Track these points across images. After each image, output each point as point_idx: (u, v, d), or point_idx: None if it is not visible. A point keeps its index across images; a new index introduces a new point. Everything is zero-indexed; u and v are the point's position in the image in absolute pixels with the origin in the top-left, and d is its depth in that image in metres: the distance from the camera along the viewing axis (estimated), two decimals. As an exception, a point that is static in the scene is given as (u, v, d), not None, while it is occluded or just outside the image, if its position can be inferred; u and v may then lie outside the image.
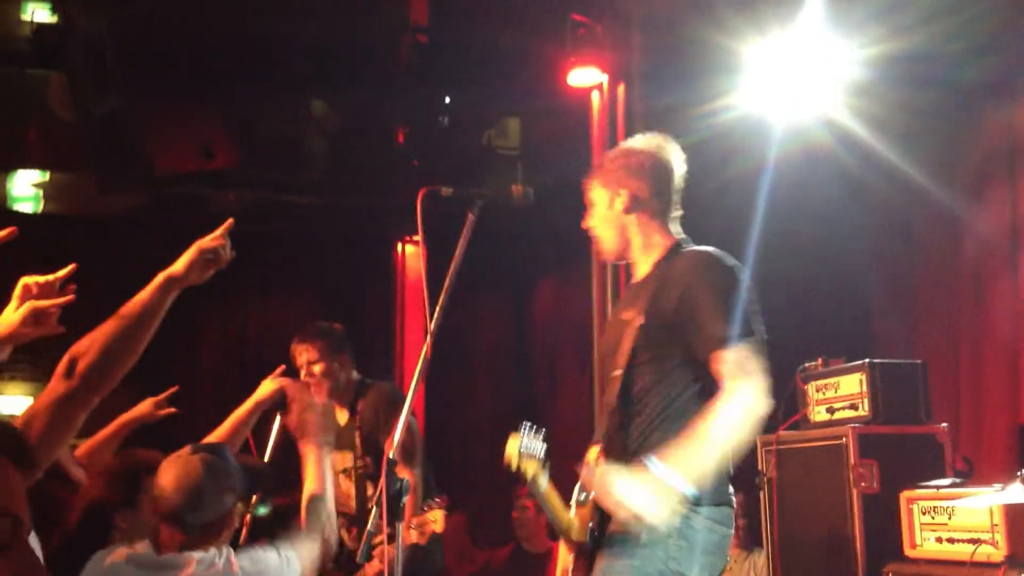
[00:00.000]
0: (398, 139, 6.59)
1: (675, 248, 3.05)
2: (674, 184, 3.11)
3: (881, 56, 5.55)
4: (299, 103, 6.43)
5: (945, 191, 6.08)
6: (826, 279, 6.61)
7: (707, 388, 2.79)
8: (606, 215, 3.07)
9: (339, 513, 4.28)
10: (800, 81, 5.74)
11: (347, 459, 4.51)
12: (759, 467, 5.15)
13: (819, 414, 5.05)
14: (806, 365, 5.16)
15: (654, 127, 6.09)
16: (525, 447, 2.81)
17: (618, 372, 2.87)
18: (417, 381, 2.83)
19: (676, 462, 2.60)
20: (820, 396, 5.05)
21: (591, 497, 2.77)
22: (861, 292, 6.74)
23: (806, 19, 5.46)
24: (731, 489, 2.87)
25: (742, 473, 5.52)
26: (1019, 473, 3.51)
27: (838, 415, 4.92)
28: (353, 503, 4.51)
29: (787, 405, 5.15)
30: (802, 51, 5.59)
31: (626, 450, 2.81)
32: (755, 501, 5.20)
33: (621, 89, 6.14)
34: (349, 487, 4.52)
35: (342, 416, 4.58)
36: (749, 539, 5.67)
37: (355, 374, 4.65)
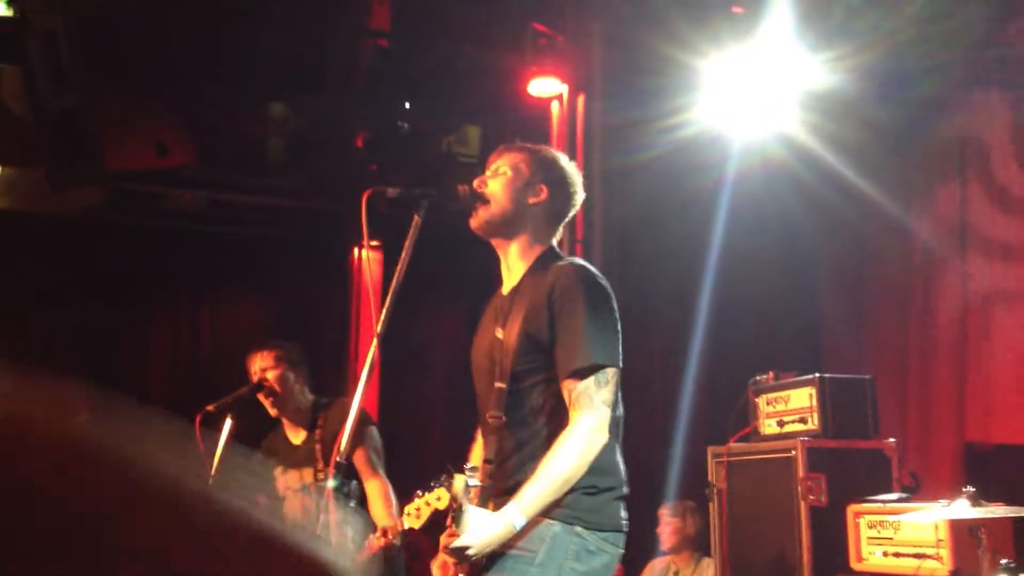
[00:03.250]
0: (357, 143, 6.56)
1: (543, 259, 2.98)
2: (568, 210, 3.09)
3: (835, 72, 5.63)
4: (258, 105, 6.39)
5: (897, 207, 6.18)
6: (781, 293, 6.68)
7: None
8: (513, 192, 2.99)
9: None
10: (757, 97, 5.80)
11: (307, 475, 4.46)
12: (709, 478, 5.19)
13: (769, 427, 5.10)
14: (757, 378, 5.21)
15: (613, 140, 6.24)
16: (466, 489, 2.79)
17: (501, 386, 2.84)
18: (364, 383, 2.80)
19: (525, 502, 2.69)
20: (771, 409, 5.10)
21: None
22: (814, 306, 6.83)
23: (763, 36, 5.52)
24: (624, 512, 2.86)
25: (692, 483, 5.62)
26: (964, 489, 3.56)
27: (788, 428, 4.97)
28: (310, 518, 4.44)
29: (738, 417, 5.20)
30: (759, 67, 5.65)
31: (514, 475, 2.82)
32: (705, 511, 5.24)
33: (581, 100, 6.18)
34: (310, 503, 4.46)
35: (297, 436, 4.53)
36: (698, 547, 5.71)
37: (310, 395, 4.59)
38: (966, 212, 5.82)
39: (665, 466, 6.13)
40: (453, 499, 2.67)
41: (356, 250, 7.09)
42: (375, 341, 2.74)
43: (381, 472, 4.31)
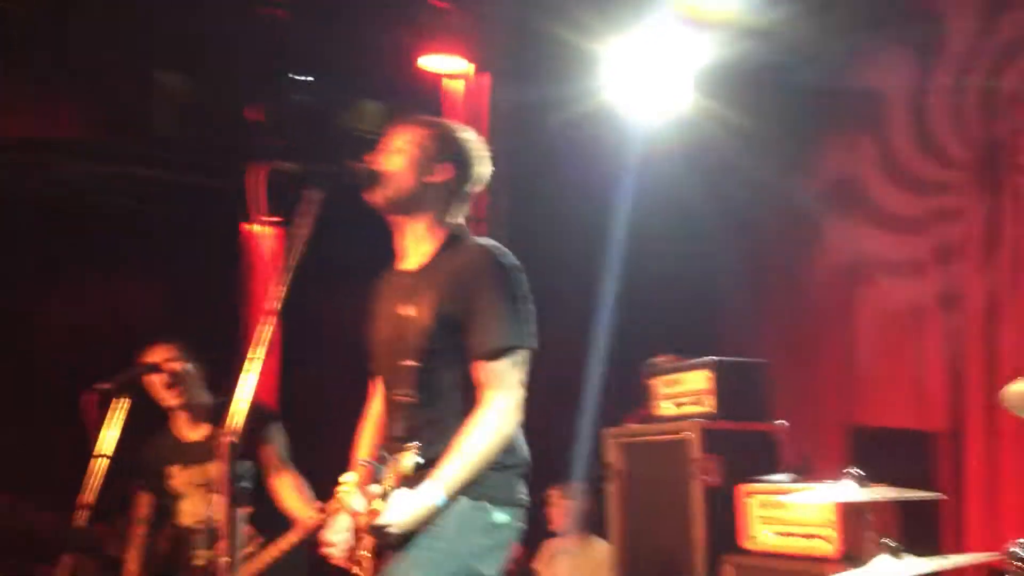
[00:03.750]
0: (251, 116, 6.39)
1: (452, 239, 2.96)
2: (473, 188, 3.04)
3: (732, 61, 5.70)
4: (148, 74, 6.17)
5: (792, 190, 6.31)
6: (682, 275, 6.76)
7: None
8: (414, 171, 2.93)
9: (197, 532, 4.15)
10: (655, 79, 5.82)
11: (206, 472, 4.34)
12: (606, 459, 5.23)
13: (665, 408, 5.15)
14: (654, 360, 5.26)
15: (514, 121, 6.21)
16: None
17: (411, 364, 2.81)
18: (258, 364, 2.70)
19: (447, 480, 2.70)
20: (667, 391, 5.16)
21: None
22: (713, 290, 6.93)
23: (660, 19, 5.56)
24: (524, 489, 2.88)
25: (590, 464, 5.66)
26: (851, 471, 3.63)
27: (684, 410, 5.03)
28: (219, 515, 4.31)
29: (635, 400, 5.25)
30: (655, 49, 5.68)
31: (424, 454, 2.76)
32: (600, 492, 5.28)
33: (478, 79, 6.14)
34: (211, 498, 4.34)
35: (196, 431, 4.41)
36: (589, 528, 5.75)
37: (208, 391, 4.47)
38: (862, 188, 5.98)
39: (565, 447, 6.14)
40: (397, 478, 2.63)
41: (250, 226, 6.92)
42: (271, 320, 2.66)
43: (291, 467, 4.27)
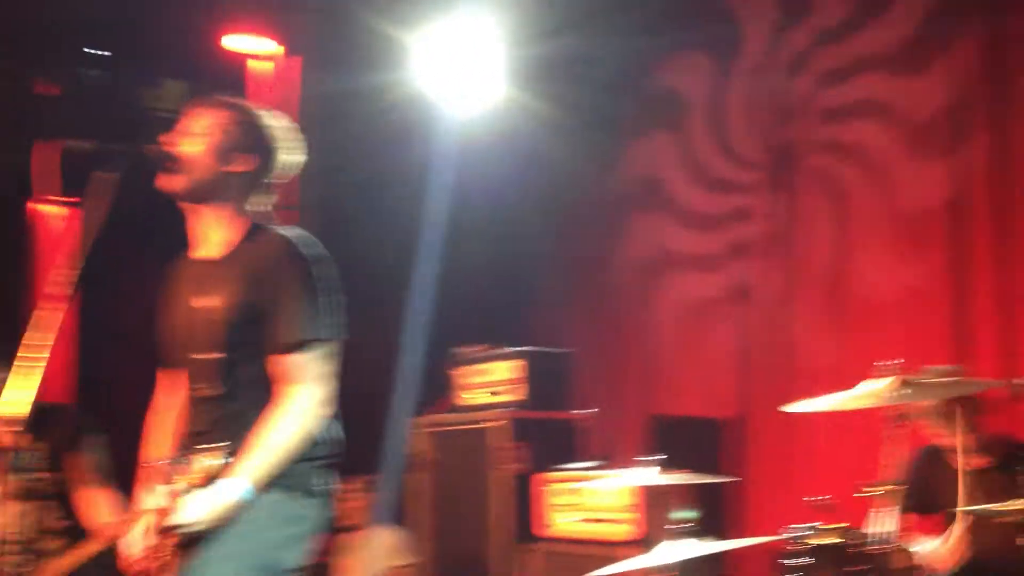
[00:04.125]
0: (43, 90, 6.04)
1: (255, 230, 2.84)
2: (280, 177, 2.92)
3: (544, 53, 5.78)
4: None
5: (603, 187, 6.46)
6: (493, 267, 6.81)
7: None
8: (213, 158, 2.78)
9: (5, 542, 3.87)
10: (468, 69, 5.83)
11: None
12: (413, 449, 5.22)
13: (474, 398, 5.18)
14: (464, 349, 5.28)
15: (326, 106, 6.10)
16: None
17: (210, 357, 2.73)
18: (43, 352, 2.55)
19: (251, 473, 2.62)
20: (476, 380, 5.19)
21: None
22: (525, 281, 7.01)
23: (468, 9, 5.58)
24: (329, 479, 2.83)
25: (385, 454, 5.62)
26: (651, 458, 3.74)
27: (491, 399, 5.08)
28: (24, 527, 4.02)
29: (443, 389, 5.26)
30: (467, 40, 5.70)
31: (232, 445, 2.71)
32: (405, 481, 5.27)
33: (288, 63, 6.02)
34: (16, 508, 4.04)
35: None
36: (384, 519, 5.69)
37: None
38: (665, 184, 6.16)
39: (376, 438, 6.08)
40: (202, 476, 2.54)
41: (37, 206, 6.54)
42: (59, 306, 2.52)
43: (106, 483, 4.01)
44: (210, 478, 2.56)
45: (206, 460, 2.56)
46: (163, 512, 2.59)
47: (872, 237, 5.06)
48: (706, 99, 5.98)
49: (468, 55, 5.78)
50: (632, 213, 6.36)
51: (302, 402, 2.67)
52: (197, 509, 2.56)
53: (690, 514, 3.44)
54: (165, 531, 2.59)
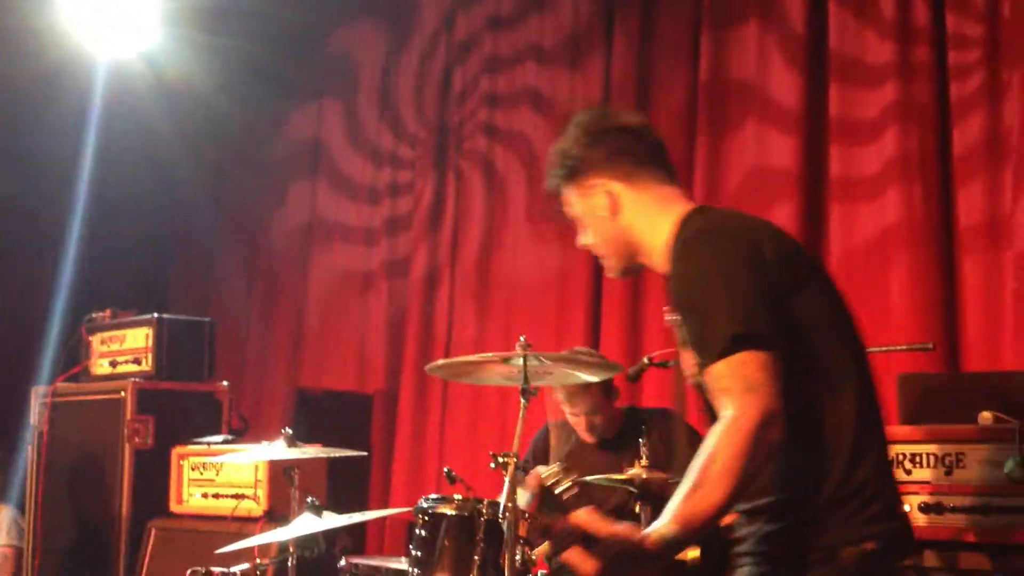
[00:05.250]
0: None
1: None
2: None
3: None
4: None
5: (272, 148, 6.26)
6: (145, 226, 6.45)
7: None
8: None
9: None
10: (120, 13, 5.43)
11: None
12: (32, 420, 4.84)
13: (102, 367, 4.87)
14: (93, 315, 4.95)
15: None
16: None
17: None
18: None
19: None
20: (105, 348, 4.89)
21: None
22: (178, 243, 6.71)
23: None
24: None
25: (17, 429, 5.19)
26: (282, 431, 3.66)
27: (120, 368, 4.80)
28: None
29: (69, 355, 4.92)
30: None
31: None
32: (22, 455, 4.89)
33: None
34: None
35: None
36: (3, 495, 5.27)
37: None
38: (327, 151, 6.06)
39: (7, 408, 5.57)
40: None
41: None
42: None
43: None
44: None
45: None
46: None
47: (522, 222, 5.19)
48: (378, 70, 5.93)
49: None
50: (293, 179, 6.21)
51: None
52: None
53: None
54: None
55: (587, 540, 1.81)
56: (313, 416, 5.11)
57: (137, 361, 4.72)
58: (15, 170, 5.95)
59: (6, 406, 5.45)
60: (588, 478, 3.47)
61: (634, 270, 2.33)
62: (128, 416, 4.48)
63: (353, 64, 6.07)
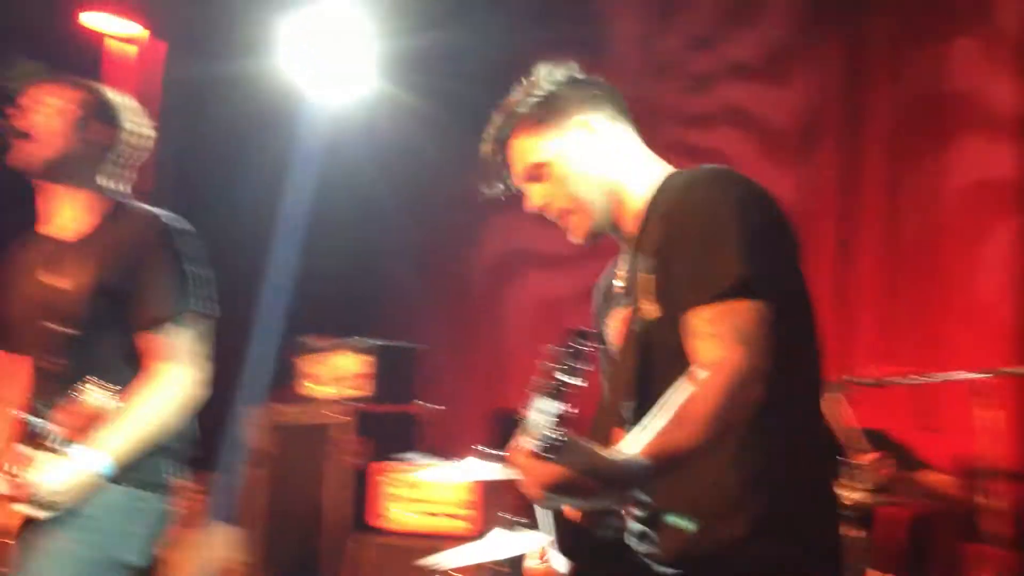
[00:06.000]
0: None
1: (117, 209, 2.78)
2: (132, 157, 2.88)
3: (413, 45, 5.72)
4: None
5: (470, 183, 6.38)
6: (353, 259, 6.72)
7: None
8: (65, 131, 2.73)
9: None
10: (337, 59, 5.76)
11: None
12: (251, 442, 5.09)
13: (315, 389, 5.07)
14: (306, 340, 5.17)
15: (190, 91, 5.94)
16: None
17: (62, 331, 2.62)
18: None
19: (114, 448, 2.53)
20: (321, 372, 5.08)
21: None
22: (383, 274, 6.94)
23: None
24: (176, 471, 2.73)
25: (230, 447, 5.48)
26: (482, 450, 3.71)
27: (333, 391, 4.98)
28: None
29: (279, 379, 5.15)
30: (337, 29, 5.62)
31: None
32: (241, 475, 5.13)
33: (153, 46, 5.87)
34: None
35: None
36: (222, 516, 5.54)
37: None
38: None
39: (218, 429, 5.91)
40: (79, 421, 2.41)
41: None
42: None
43: None
44: (90, 424, 2.43)
45: (94, 395, 2.42)
46: (11, 484, 2.44)
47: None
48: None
49: (338, 45, 5.70)
50: (491, 212, 6.33)
51: (173, 380, 2.60)
52: (55, 474, 2.43)
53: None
54: (18, 493, 2.42)
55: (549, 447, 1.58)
56: (508, 438, 5.14)
57: (350, 384, 4.89)
58: (229, 204, 6.34)
59: (214, 427, 5.75)
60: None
61: (606, 229, 2.08)
62: (342, 436, 4.64)
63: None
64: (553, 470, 1.58)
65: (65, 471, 2.46)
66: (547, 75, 2.12)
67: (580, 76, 2.14)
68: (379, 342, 4.98)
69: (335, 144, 6.22)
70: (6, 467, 2.48)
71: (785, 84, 5.03)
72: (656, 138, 5.39)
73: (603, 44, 5.83)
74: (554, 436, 1.57)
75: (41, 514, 2.47)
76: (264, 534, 4.93)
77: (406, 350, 5.07)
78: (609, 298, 2.09)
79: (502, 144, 2.12)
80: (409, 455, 4.60)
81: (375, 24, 5.65)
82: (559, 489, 1.59)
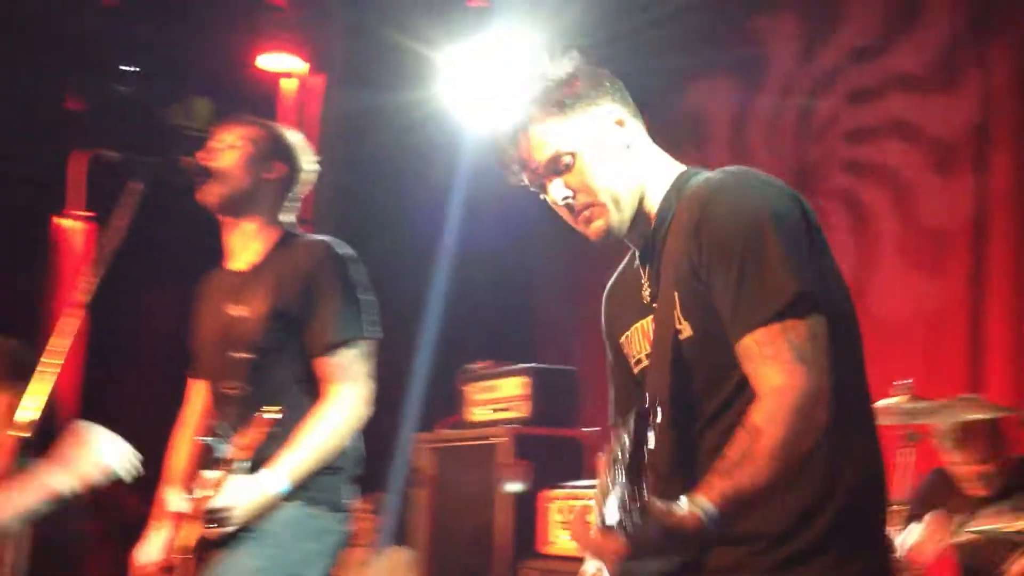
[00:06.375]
0: (73, 106, 6.14)
1: (287, 237, 2.93)
2: (303, 188, 3.02)
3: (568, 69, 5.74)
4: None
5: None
6: (504, 284, 6.78)
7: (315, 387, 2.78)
8: (248, 168, 2.87)
9: None
10: (493, 91, 5.84)
11: None
12: (417, 465, 5.19)
13: (480, 414, 5.14)
14: (468, 366, 5.26)
15: (349, 125, 6.13)
16: None
17: (243, 356, 2.75)
18: (59, 356, 2.53)
19: (290, 469, 2.64)
20: (481, 397, 5.16)
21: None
22: (534, 300, 6.98)
23: (498, 30, 5.58)
24: (351, 493, 2.84)
25: (394, 470, 5.61)
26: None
27: (497, 416, 5.04)
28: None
29: (449, 405, 5.23)
30: (494, 62, 5.70)
31: (265, 448, 2.71)
32: (409, 498, 5.24)
33: (313, 80, 6.08)
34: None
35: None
36: (390, 538, 5.66)
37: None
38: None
39: (383, 453, 6.07)
40: (252, 440, 2.53)
41: (62, 220, 6.63)
42: (77, 313, 2.52)
43: None
44: (258, 445, 2.54)
45: (272, 417, 2.53)
46: (194, 502, 2.58)
47: (892, 257, 4.96)
48: (729, 121, 5.91)
49: (496, 74, 5.78)
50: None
51: (346, 400, 2.71)
52: (238, 494, 2.55)
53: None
54: (203, 516, 2.56)
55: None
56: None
57: (512, 408, 4.95)
58: (390, 232, 6.51)
59: (381, 451, 5.91)
60: (983, 527, 3.24)
61: (626, 227, 2.00)
62: (505, 460, 4.69)
63: (703, 118, 6.08)
64: (627, 543, 1.53)
65: (246, 491, 2.57)
66: (565, 64, 2.03)
67: (599, 69, 2.08)
68: (538, 365, 5.03)
69: (489, 170, 6.30)
70: (192, 490, 2.62)
71: (952, 92, 4.85)
72: (819, 154, 5.35)
73: (763, 63, 5.74)
74: (626, 512, 1.53)
75: (221, 532, 2.58)
76: (431, 556, 5.02)
77: (565, 373, 5.10)
78: (627, 307, 2.04)
79: (522, 133, 2.01)
80: (575, 480, 4.61)
81: (533, 52, 5.71)
82: (636, 558, 1.55)
